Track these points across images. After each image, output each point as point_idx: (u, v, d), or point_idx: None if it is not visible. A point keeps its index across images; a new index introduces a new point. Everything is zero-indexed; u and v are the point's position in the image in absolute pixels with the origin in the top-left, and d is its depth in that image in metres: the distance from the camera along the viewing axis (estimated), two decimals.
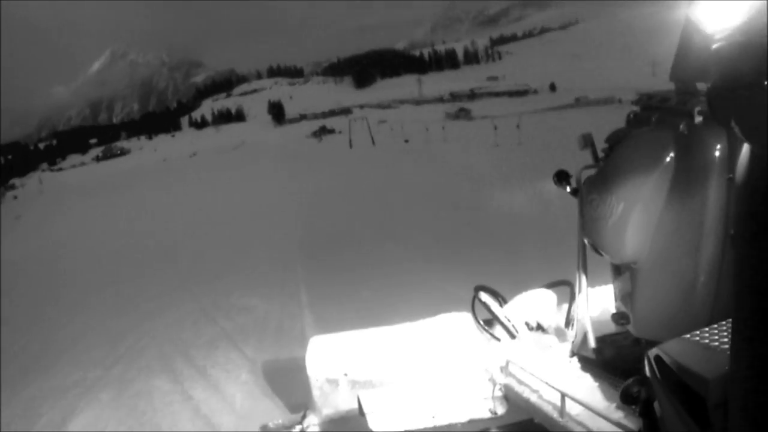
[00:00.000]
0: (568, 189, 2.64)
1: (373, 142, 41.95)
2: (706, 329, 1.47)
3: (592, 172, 2.44)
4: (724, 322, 1.47)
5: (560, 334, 3.03)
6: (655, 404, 1.50)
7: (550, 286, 3.37)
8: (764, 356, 1.01)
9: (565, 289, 3.17)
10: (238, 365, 5.18)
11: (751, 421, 1.07)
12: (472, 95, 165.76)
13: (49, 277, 12.16)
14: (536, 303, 3.24)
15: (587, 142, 2.52)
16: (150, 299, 7.95)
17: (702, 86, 1.93)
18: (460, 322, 3.40)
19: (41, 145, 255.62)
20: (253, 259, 9.69)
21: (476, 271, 5.42)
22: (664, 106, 2.16)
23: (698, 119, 1.88)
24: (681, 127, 1.93)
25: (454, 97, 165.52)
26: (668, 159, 1.96)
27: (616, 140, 2.33)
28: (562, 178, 2.67)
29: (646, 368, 1.53)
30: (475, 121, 70.13)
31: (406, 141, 38.62)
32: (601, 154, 2.50)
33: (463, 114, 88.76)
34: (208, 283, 8.37)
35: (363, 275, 7.49)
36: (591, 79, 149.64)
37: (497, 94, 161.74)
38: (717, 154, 1.81)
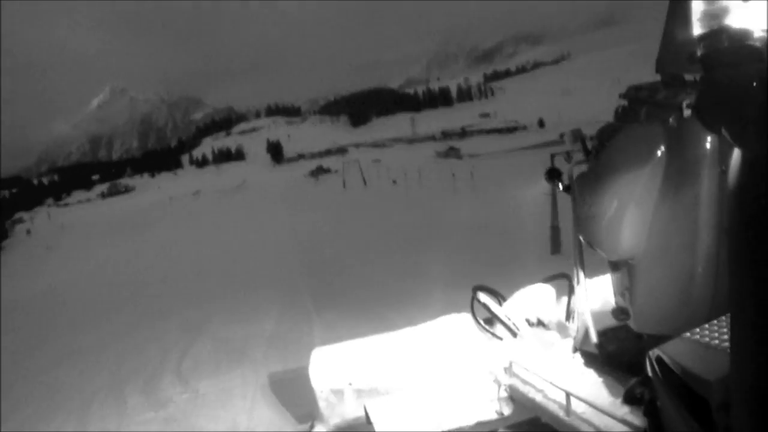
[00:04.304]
0: (561, 187, 2.63)
1: (365, 183, 45.75)
2: (706, 326, 1.45)
3: (584, 167, 2.47)
4: (723, 318, 1.45)
5: (561, 328, 3.03)
6: (659, 403, 1.52)
7: (548, 279, 3.38)
8: (763, 352, 1.00)
9: (564, 281, 3.20)
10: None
11: (754, 421, 1.06)
12: (463, 133, 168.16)
13: (102, 297, 14.31)
14: (535, 299, 3.23)
15: (577, 137, 2.55)
16: (203, 298, 11.30)
17: (689, 77, 1.90)
18: (460, 323, 3.47)
19: (45, 180, 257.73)
20: (263, 278, 12.85)
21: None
22: (653, 99, 2.14)
23: (687, 112, 1.86)
24: (671, 120, 1.92)
25: (445, 135, 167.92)
26: (660, 153, 1.94)
27: (606, 135, 2.29)
28: (553, 175, 2.67)
29: (648, 369, 1.53)
30: (463, 159, 73.07)
31: (394, 182, 41.64)
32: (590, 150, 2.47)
33: (452, 153, 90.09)
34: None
35: (352, 288, 10.23)
36: (579, 113, 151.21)
37: (488, 132, 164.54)
38: (708, 146, 1.80)
